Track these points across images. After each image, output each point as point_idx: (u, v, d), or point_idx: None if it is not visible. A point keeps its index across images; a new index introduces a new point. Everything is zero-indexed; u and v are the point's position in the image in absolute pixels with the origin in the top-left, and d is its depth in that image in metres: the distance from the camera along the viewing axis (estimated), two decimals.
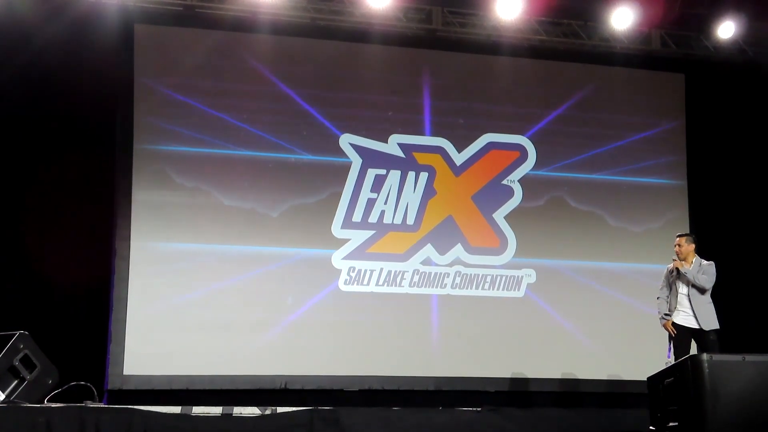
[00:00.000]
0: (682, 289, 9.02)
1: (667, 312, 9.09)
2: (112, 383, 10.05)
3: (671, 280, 9.11)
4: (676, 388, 6.31)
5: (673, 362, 8.83)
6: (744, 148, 12.08)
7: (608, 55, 11.84)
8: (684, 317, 8.96)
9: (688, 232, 9.95)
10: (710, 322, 8.91)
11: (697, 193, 12.02)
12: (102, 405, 9.16)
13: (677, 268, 9.02)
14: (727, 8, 11.37)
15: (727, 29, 11.51)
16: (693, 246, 9.17)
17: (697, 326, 8.92)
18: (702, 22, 11.58)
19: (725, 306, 10.72)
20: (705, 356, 6.00)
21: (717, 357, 6.01)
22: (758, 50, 11.91)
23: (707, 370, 5.90)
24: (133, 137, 10.53)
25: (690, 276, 8.97)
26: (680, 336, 8.95)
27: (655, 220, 11.76)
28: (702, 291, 9.02)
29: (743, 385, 5.90)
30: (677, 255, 9.12)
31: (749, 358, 6.01)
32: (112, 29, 10.48)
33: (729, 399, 5.86)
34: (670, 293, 9.12)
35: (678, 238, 9.22)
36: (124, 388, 10.05)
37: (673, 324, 8.99)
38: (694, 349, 8.93)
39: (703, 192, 12.01)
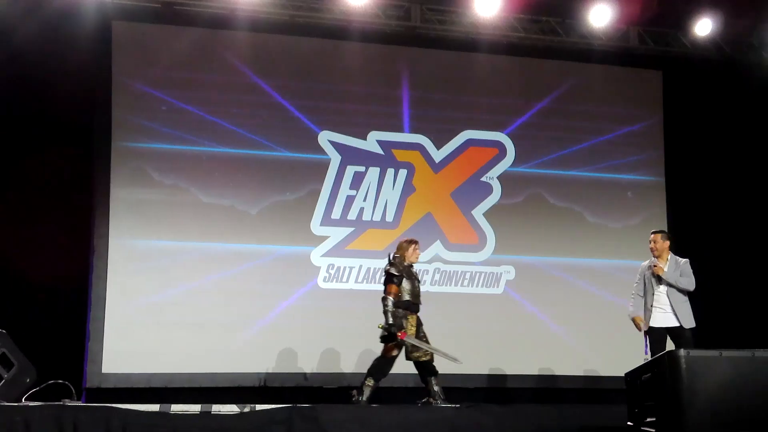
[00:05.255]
0: (660, 287, 9.05)
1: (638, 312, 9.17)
2: (91, 381, 10.04)
3: (647, 276, 9.15)
4: (653, 383, 6.33)
5: (650, 359, 8.88)
6: (721, 144, 12.14)
7: (586, 52, 11.89)
8: (661, 315, 8.99)
9: (663, 228, 10.00)
10: (689, 320, 8.97)
11: (675, 189, 12.09)
12: (80, 403, 9.12)
13: (659, 275, 9.04)
14: (704, 5, 11.43)
15: (704, 26, 11.58)
16: (668, 243, 9.23)
17: (675, 324, 8.95)
18: (679, 19, 11.64)
19: (702, 302, 10.79)
20: (682, 352, 6.01)
21: (694, 352, 6.02)
22: (734, 47, 11.98)
23: (684, 366, 5.91)
24: (112, 134, 10.52)
25: (672, 281, 9.01)
26: (656, 336, 8.99)
27: (633, 217, 11.82)
28: (683, 290, 9.07)
29: (720, 381, 5.93)
30: (652, 252, 9.16)
31: (726, 353, 6.03)
32: (89, 26, 10.44)
33: (706, 394, 5.88)
34: (645, 291, 9.16)
35: (653, 235, 9.26)
36: (103, 386, 10.04)
37: (649, 326, 9.02)
38: (669, 347, 8.98)
39: (681, 188, 12.08)
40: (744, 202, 12.10)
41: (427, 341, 8.99)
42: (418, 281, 9.21)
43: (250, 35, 11.02)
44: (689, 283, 9.06)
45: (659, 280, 9.05)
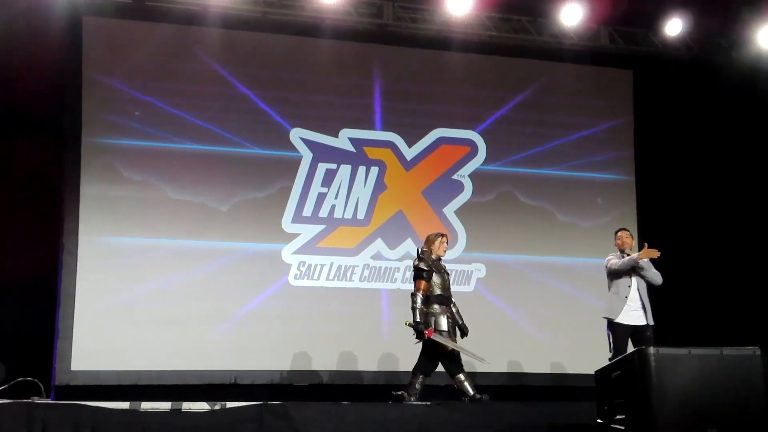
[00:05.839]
0: (632, 283, 9.11)
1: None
2: (60, 379, 9.98)
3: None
4: (623, 381, 6.37)
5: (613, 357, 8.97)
6: (690, 143, 12.23)
7: (557, 51, 11.92)
8: (630, 313, 9.05)
9: (633, 227, 10.08)
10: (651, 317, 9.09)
11: (645, 188, 12.15)
12: (49, 401, 9.07)
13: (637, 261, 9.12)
14: (674, 6, 11.49)
15: (674, 26, 11.64)
16: (633, 241, 9.36)
17: (643, 322, 9.04)
18: (649, 18, 11.70)
19: (672, 301, 10.89)
20: (652, 350, 6.06)
21: (663, 350, 6.07)
22: (704, 48, 12.06)
23: (654, 363, 5.95)
24: (82, 131, 10.46)
25: (647, 272, 9.10)
26: (622, 333, 9.05)
27: (603, 216, 11.86)
28: (650, 285, 9.17)
29: (689, 378, 5.98)
30: (623, 247, 9.22)
31: (695, 351, 6.08)
32: (60, 21, 10.38)
33: (675, 391, 5.93)
34: (614, 282, 9.20)
35: (623, 232, 9.34)
36: (72, 383, 9.98)
37: (615, 324, 9.07)
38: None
39: (651, 187, 12.14)
40: (713, 201, 12.18)
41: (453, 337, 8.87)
42: (448, 274, 9.09)
43: (222, 32, 10.97)
44: (659, 275, 9.18)
45: (631, 274, 9.12)
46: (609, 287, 9.31)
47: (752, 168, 12.22)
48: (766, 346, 6.12)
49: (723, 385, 6.03)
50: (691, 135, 12.23)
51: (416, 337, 8.76)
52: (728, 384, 6.04)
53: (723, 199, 12.17)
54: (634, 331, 9.06)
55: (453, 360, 8.78)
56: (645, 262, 9.13)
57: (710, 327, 11.44)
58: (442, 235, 9.15)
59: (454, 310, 9.02)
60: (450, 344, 8.73)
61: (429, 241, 9.09)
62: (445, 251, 9.13)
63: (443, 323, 8.74)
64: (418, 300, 8.74)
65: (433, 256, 9.00)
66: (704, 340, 10.52)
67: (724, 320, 11.56)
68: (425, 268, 8.83)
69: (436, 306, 8.80)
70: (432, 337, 8.63)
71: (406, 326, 8.74)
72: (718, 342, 6.48)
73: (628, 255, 9.16)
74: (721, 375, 6.05)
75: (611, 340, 9.13)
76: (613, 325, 9.12)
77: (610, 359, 8.81)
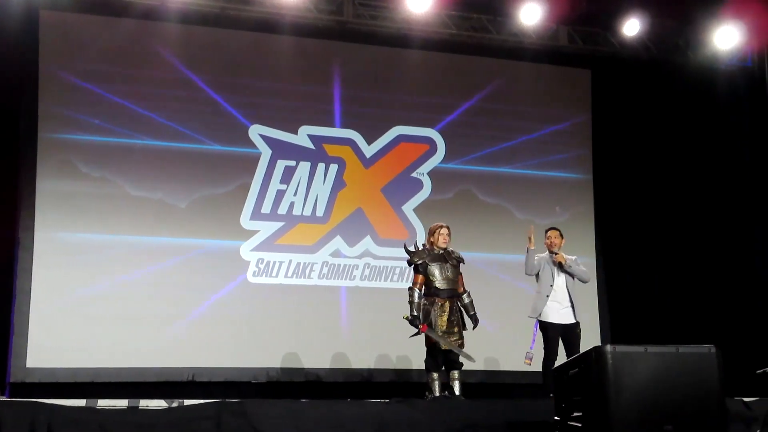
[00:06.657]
0: (559, 280, 9.19)
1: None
2: (15, 376, 9.88)
3: (544, 266, 9.25)
4: (580, 378, 6.40)
5: (532, 355, 9.06)
6: (647, 143, 12.32)
7: (517, 50, 11.97)
8: (559, 311, 9.13)
9: (591, 225, 10.13)
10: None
11: (602, 187, 12.23)
12: (4, 398, 8.99)
13: (560, 263, 9.19)
14: (632, 6, 11.58)
15: (632, 26, 11.72)
16: (563, 241, 9.41)
17: (571, 320, 9.13)
18: (608, 18, 11.77)
19: (628, 299, 10.94)
20: (609, 347, 6.09)
21: (620, 348, 6.10)
22: (661, 48, 12.15)
23: (610, 361, 5.99)
24: (38, 126, 10.36)
25: (575, 270, 9.18)
26: (553, 333, 9.12)
27: (561, 214, 11.91)
28: (581, 283, 9.29)
29: (645, 376, 6.01)
30: (552, 247, 9.31)
31: (651, 349, 6.12)
32: (16, 15, 10.26)
33: (631, 389, 5.96)
34: (540, 280, 9.26)
35: (552, 231, 9.43)
36: (27, 380, 9.89)
37: (547, 324, 9.14)
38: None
39: (608, 186, 12.23)
40: (669, 201, 12.28)
41: (459, 329, 8.90)
42: (452, 264, 8.99)
43: (181, 27, 10.92)
44: (586, 273, 9.30)
45: (559, 271, 9.20)
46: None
47: (708, 167, 12.33)
48: (721, 344, 6.17)
49: (679, 382, 6.08)
50: (648, 134, 12.32)
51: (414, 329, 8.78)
52: (684, 381, 6.08)
53: (679, 198, 12.28)
54: (564, 330, 9.15)
55: (447, 356, 8.82)
56: (572, 260, 9.24)
57: (667, 325, 11.54)
58: (441, 226, 9.10)
59: (468, 300, 9.08)
60: (441, 341, 8.71)
61: (429, 232, 9.13)
62: (444, 242, 9.03)
63: (430, 317, 8.73)
64: (415, 294, 8.79)
65: (435, 249, 8.97)
66: (661, 338, 10.61)
67: (681, 318, 11.66)
68: (417, 262, 8.86)
69: (426, 299, 8.81)
70: (426, 332, 8.67)
71: (404, 319, 8.77)
72: (674, 340, 6.53)
73: (555, 254, 9.24)
74: (677, 373, 6.09)
75: (536, 338, 9.21)
76: (544, 325, 9.19)
77: (528, 353, 8.94)
